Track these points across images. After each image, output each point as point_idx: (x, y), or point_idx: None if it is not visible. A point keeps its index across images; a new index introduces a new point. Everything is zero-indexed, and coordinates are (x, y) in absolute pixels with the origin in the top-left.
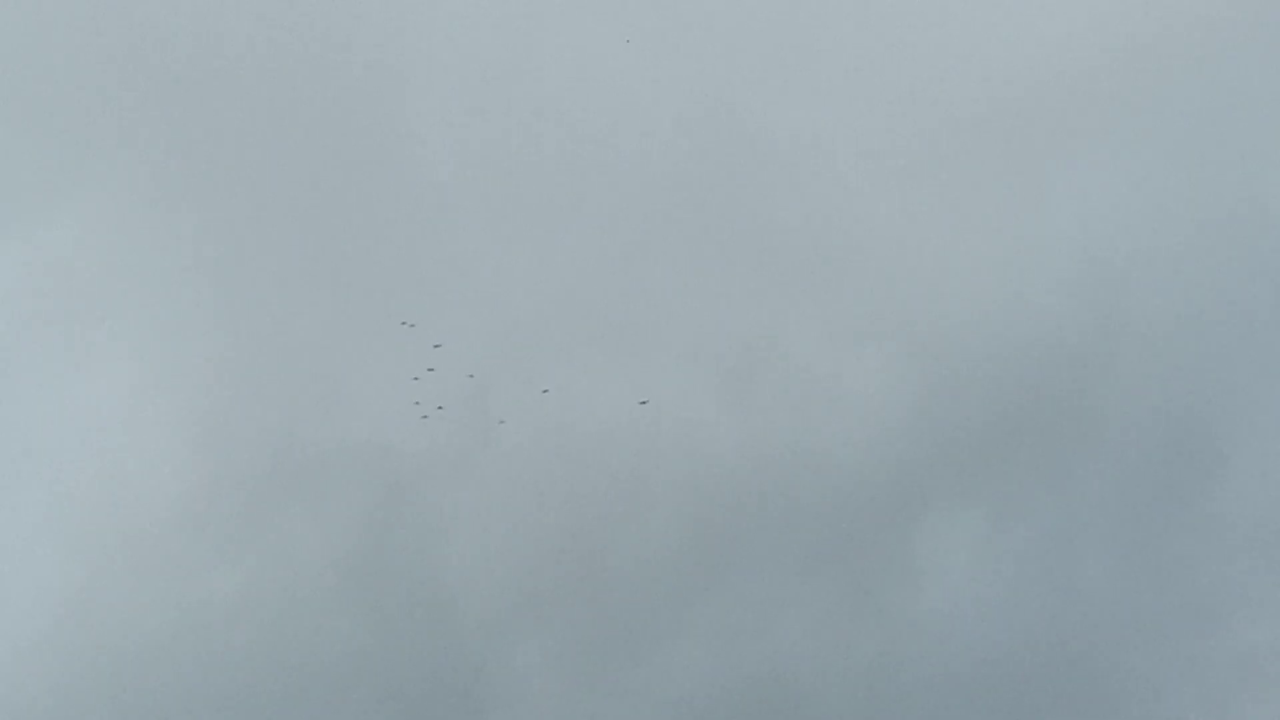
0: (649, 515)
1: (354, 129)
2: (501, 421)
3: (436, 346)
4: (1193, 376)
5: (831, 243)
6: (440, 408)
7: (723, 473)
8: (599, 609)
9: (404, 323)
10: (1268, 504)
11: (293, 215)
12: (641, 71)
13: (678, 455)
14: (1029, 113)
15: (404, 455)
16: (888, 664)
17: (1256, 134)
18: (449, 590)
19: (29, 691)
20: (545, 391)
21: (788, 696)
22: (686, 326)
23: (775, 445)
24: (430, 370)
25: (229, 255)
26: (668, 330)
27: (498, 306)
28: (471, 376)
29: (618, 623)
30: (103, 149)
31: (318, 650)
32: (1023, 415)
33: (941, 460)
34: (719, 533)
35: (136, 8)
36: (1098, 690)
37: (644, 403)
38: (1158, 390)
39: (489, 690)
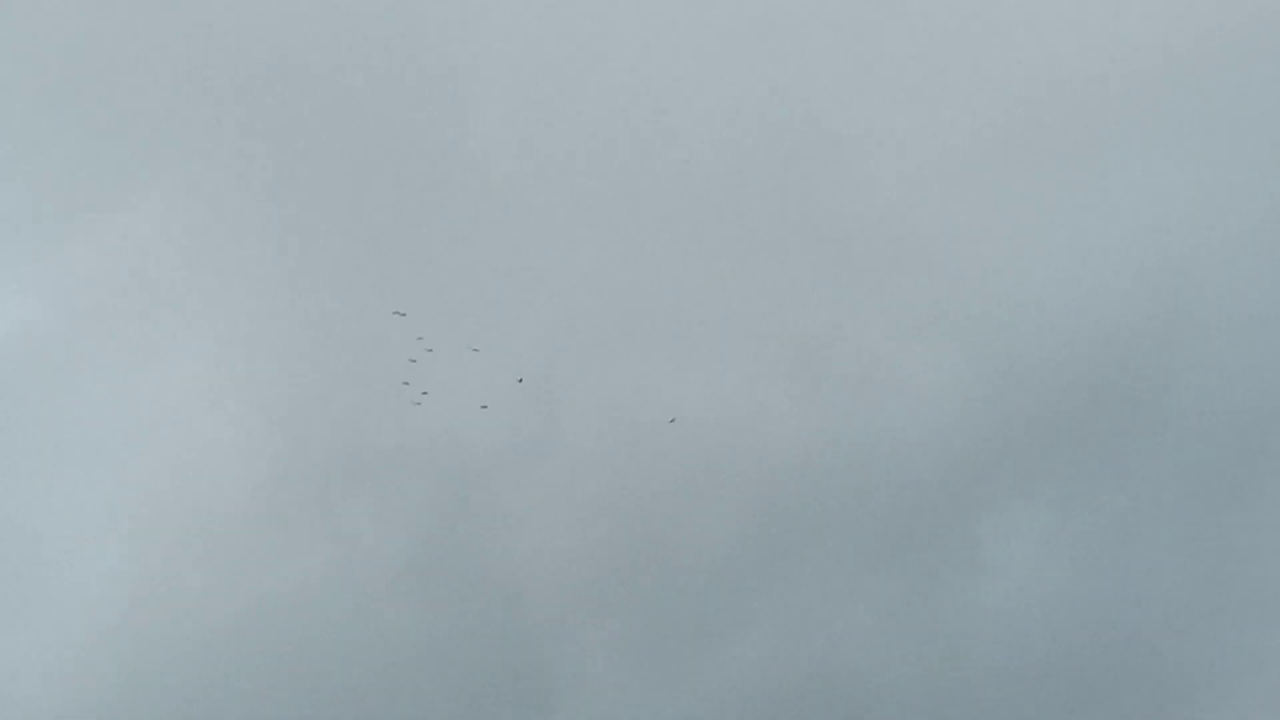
0: (714, 507)
1: (417, 125)
2: (672, 420)
3: (419, 339)
4: (1257, 367)
5: (896, 235)
6: (425, 393)
7: (787, 465)
8: (663, 601)
9: (396, 312)
10: None
11: (360, 211)
12: (703, 66)
13: (742, 448)
14: (1093, 103)
15: (471, 448)
16: (951, 655)
17: None
18: (515, 583)
19: (99, 680)
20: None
21: (851, 687)
22: (751, 319)
23: (840, 437)
24: (429, 350)
25: (301, 249)
26: (732, 323)
27: (562, 300)
28: (520, 380)
29: (682, 614)
30: (178, 140)
31: (385, 642)
32: (1087, 407)
33: (1006, 452)
34: (783, 524)
35: (209, 2)
36: (1161, 681)
37: (672, 421)
38: (1222, 381)
39: (554, 681)
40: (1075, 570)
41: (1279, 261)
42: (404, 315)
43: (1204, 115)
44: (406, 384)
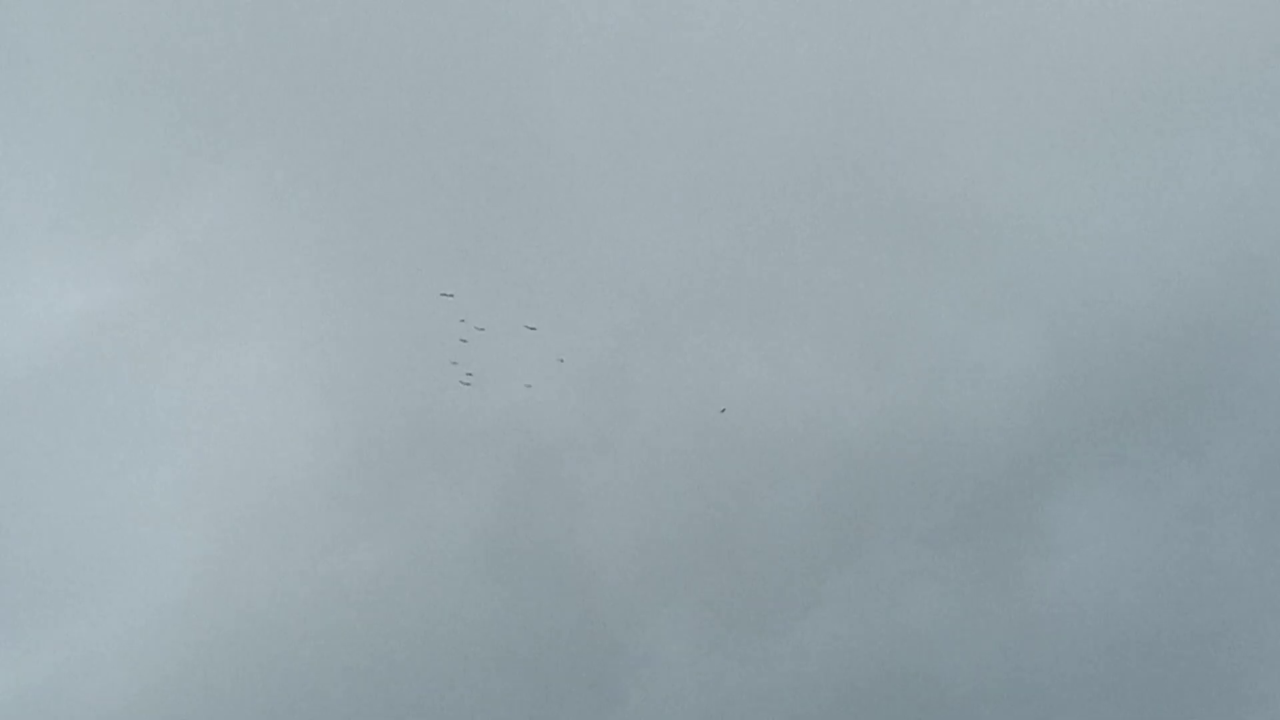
0: (785, 491)
1: (492, 104)
2: (723, 410)
3: (447, 295)
4: None
5: (971, 217)
6: (470, 374)
7: (859, 448)
8: (734, 584)
9: (443, 293)
10: None
11: (433, 195)
12: (782, 48)
13: (815, 429)
14: (1171, 84)
15: (542, 429)
16: (1021, 636)
17: None
18: (586, 566)
19: (171, 661)
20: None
21: (921, 669)
22: (823, 303)
23: (912, 418)
24: (480, 329)
25: (372, 233)
26: (806, 305)
27: (637, 283)
28: (561, 360)
29: (753, 597)
30: (252, 128)
31: (455, 622)
32: (1160, 388)
33: (1078, 433)
34: (854, 507)
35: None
36: (1232, 664)
37: (723, 411)
38: None
39: (625, 662)
40: (1145, 551)
41: None
42: (450, 296)
43: None
44: (455, 363)
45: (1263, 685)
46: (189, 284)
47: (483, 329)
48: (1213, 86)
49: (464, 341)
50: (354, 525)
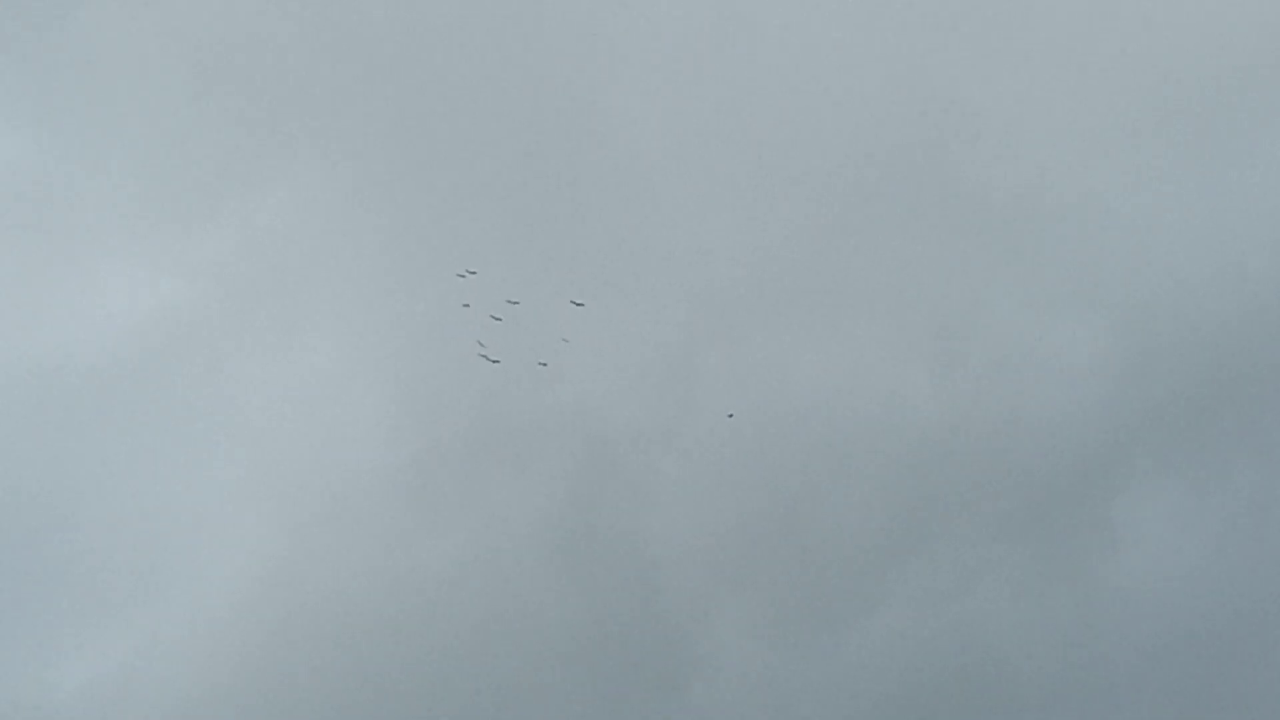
0: (851, 486)
1: (557, 100)
2: (730, 415)
3: (470, 274)
4: None
5: (1038, 210)
6: (497, 360)
7: (925, 443)
8: (801, 578)
9: (462, 273)
10: None
11: (499, 191)
12: (848, 39)
13: (881, 424)
14: (1241, 77)
15: (609, 423)
16: (1087, 631)
17: None
18: (651, 558)
19: (239, 658)
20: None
21: (987, 665)
22: (890, 297)
23: (979, 412)
24: (514, 303)
25: (439, 227)
26: (873, 298)
27: (702, 278)
28: (565, 341)
29: (819, 592)
30: (318, 125)
31: (521, 616)
32: (1227, 383)
33: (1144, 428)
34: (920, 502)
35: None
36: None
37: (730, 416)
38: None
39: (691, 657)
40: (1211, 546)
41: None
42: (473, 274)
43: None
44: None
45: None
46: (258, 280)
47: (517, 301)
48: None
49: (498, 320)
50: (421, 520)
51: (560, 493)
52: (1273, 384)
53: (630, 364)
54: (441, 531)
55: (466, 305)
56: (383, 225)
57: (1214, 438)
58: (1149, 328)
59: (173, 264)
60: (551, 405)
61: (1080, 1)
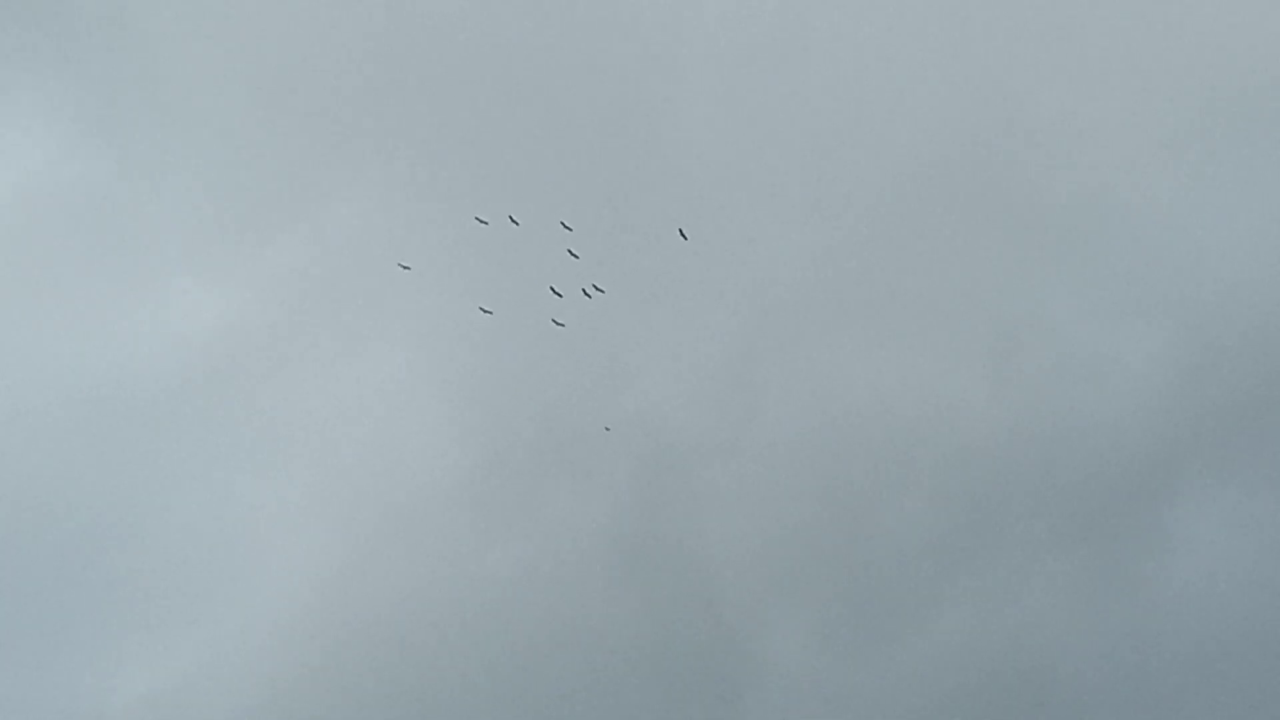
0: (909, 494)
1: (620, 110)
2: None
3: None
4: None
5: (1096, 218)
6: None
7: (983, 450)
8: (857, 587)
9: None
10: None
11: (559, 201)
12: (906, 47)
13: (939, 430)
14: None
15: (670, 431)
16: (1142, 635)
17: None
18: (711, 565)
19: (301, 663)
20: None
21: (1042, 671)
22: (949, 304)
23: (1035, 419)
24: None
25: (499, 239)
26: (930, 305)
27: (762, 284)
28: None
29: (875, 601)
30: (375, 143)
31: (584, 624)
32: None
33: (1201, 435)
34: (978, 509)
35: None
36: None
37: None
38: None
39: (749, 663)
40: (1265, 552)
41: None
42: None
43: None
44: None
45: None
46: (321, 295)
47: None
48: None
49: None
50: (485, 529)
51: (622, 501)
52: None
53: (690, 373)
54: (506, 540)
55: (556, 292)
56: (446, 238)
57: (1268, 444)
58: (1205, 334)
59: (237, 279)
60: (614, 413)
61: (1139, 9)
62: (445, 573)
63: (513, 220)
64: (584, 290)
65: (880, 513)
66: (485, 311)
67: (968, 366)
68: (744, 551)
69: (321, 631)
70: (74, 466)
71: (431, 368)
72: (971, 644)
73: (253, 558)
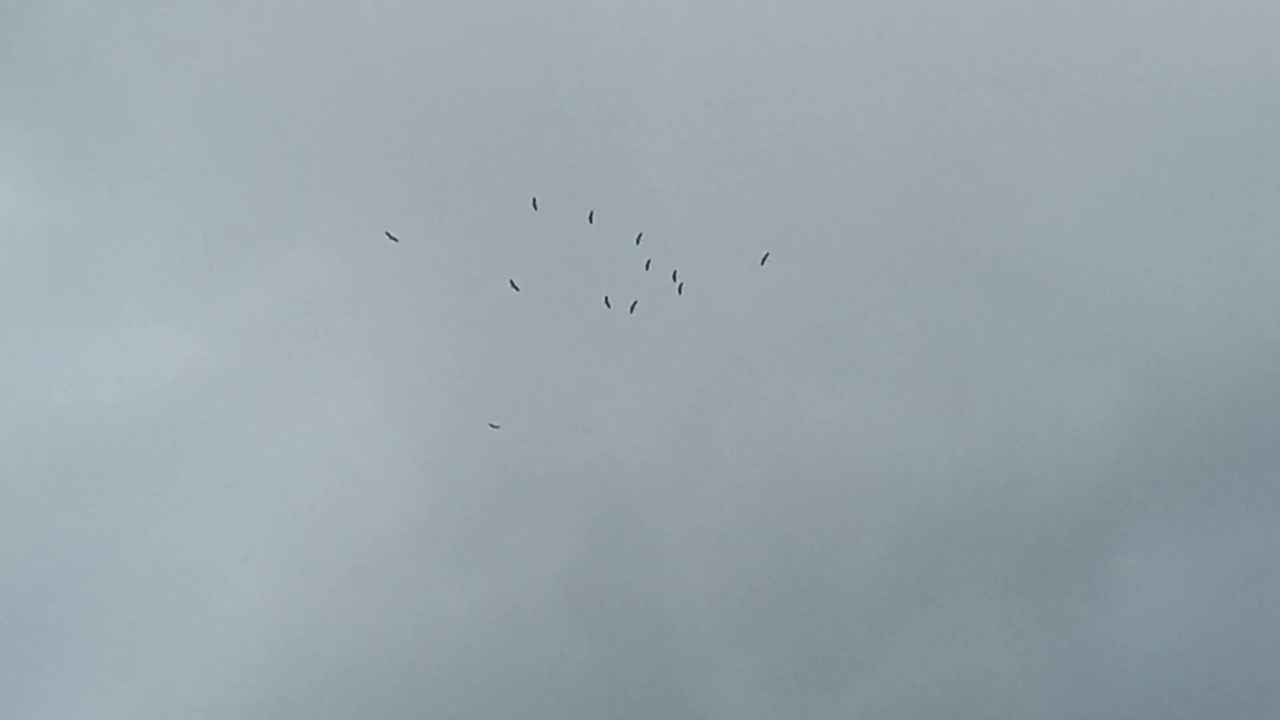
0: (862, 538)
1: (580, 158)
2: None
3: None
4: None
5: (1050, 266)
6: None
7: (935, 495)
8: (807, 632)
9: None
10: None
11: (523, 249)
12: (861, 98)
13: (893, 478)
14: (1251, 137)
15: (626, 475)
16: (1087, 685)
17: None
18: (662, 613)
19: (255, 707)
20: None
21: (992, 717)
22: (903, 350)
23: (988, 468)
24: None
25: (462, 282)
26: (885, 354)
27: (718, 332)
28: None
29: (824, 645)
30: (339, 183)
31: (537, 671)
32: (1238, 439)
33: (1150, 485)
34: (930, 555)
35: (372, 44)
36: None
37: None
38: None
39: (698, 710)
40: (1212, 607)
41: None
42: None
43: None
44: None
45: None
46: (284, 336)
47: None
48: None
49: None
50: (440, 574)
51: (577, 548)
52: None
53: (647, 422)
54: (460, 585)
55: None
56: (405, 284)
57: (1223, 493)
58: (1158, 387)
59: (198, 323)
60: (570, 461)
61: (1092, 60)
62: (400, 617)
63: (513, 285)
64: None
65: (833, 559)
66: (514, 288)
67: (923, 415)
68: (697, 597)
69: (278, 676)
70: (31, 510)
71: (389, 416)
72: (920, 691)
73: (208, 602)
